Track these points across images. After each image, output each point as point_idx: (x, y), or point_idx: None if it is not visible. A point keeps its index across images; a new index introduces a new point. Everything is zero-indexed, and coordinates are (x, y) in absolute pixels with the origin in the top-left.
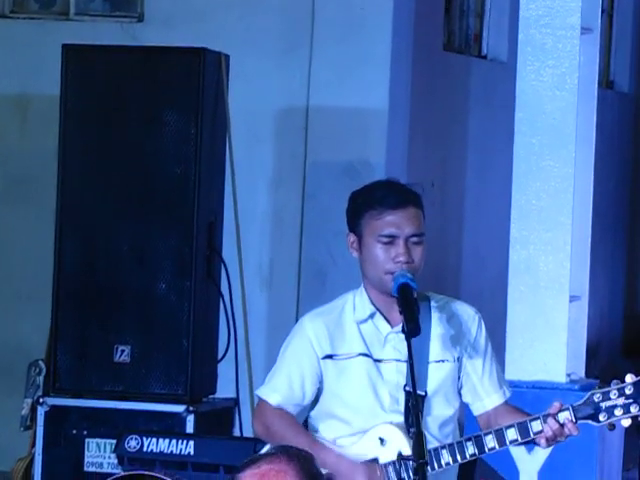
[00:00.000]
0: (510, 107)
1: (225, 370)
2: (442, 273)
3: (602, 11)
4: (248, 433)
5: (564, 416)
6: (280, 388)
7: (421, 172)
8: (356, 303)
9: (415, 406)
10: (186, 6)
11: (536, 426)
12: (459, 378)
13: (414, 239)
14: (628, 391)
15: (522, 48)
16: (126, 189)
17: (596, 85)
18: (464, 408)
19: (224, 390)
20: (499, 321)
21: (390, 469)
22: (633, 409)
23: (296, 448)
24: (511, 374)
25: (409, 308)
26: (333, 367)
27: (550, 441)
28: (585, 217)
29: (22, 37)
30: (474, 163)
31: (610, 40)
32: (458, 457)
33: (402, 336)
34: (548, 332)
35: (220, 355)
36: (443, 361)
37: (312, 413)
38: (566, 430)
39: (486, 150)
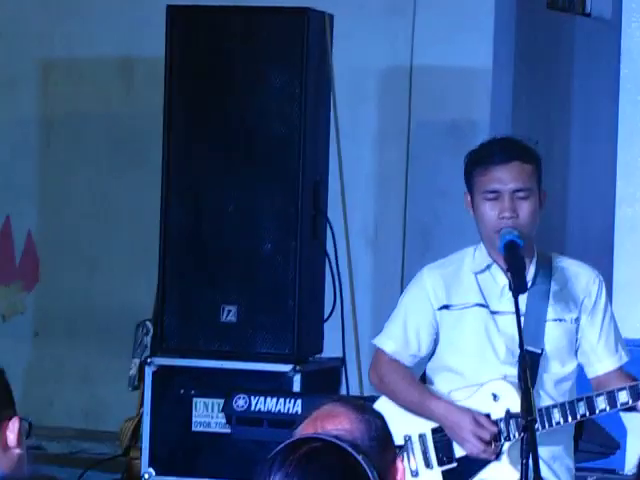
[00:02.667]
0: (615, 65)
1: (331, 330)
2: (547, 232)
3: None
4: (355, 392)
5: None
6: (396, 336)
7: (525, 130)
8: (476, 256)
9: (524, 363)
10: None
11: None
12: (576, 339)
13: (520, 194)
14: None
15: (627, 5)
16: (231, 150)
17: None
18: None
19: (330, 350)
20: (605, 280)
21: (501, 425)
22: None
23: (354, 397)
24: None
25: (515, 265)
26: (449, 317)
27: None
28: None
29: (125, 0)
30: (578, 121)
31: None
32: (569, 417)
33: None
34: None
35: (326, 315)
36: (561, 320)
37: (429, 365)
38: None
39: (590, 108)
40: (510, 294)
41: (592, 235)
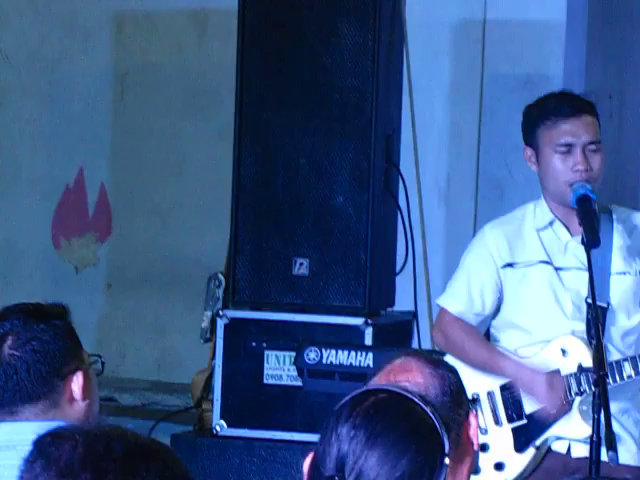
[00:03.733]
0: None
1: (403, 284)
2: (619, 187)
3: None
4: (426, 346)
5: None
6: (460, 296)
7: (599, 84)
8: (536, 212)
9: (596, 318)
10: None
11: None
12: None
13: (592, 147)
14: None
15: None
16: (303, 103)
17: None
18: None
19: (402, 303)
20: None
21: (571, 380)
22: None
23: (427, 351)
24: None
25: (589, 220)
26: (513, 275)
27: None
28: None
29: None
30: None
31: None
32: None
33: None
34: None
35: (398, 268)
36: (625, 273)
37: (494, 323)
38: None
39: None
40: (574, 249)
41: None
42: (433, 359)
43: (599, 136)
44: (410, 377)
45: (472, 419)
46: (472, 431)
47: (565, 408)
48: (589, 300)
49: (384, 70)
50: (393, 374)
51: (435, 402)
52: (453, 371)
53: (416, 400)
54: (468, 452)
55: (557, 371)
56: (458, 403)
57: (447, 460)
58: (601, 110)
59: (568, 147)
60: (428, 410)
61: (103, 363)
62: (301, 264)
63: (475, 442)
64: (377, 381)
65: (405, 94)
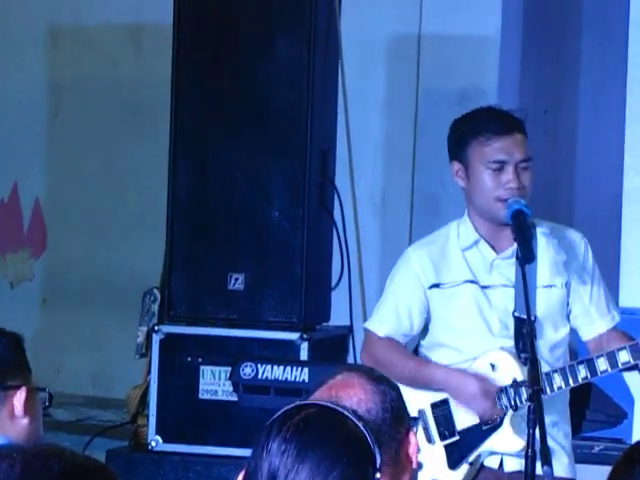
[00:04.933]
0: (624, 31)
1: (338, 298)
2: (555, 201)
3: None
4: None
5: None
6: (388, 320)
7: (533, 99)
8: (460, 231)
9: (530, 332)
10: None
11: None
12: (568, 303)
13: (523, 164)
14: None
15: None
16: (239, 117)
17: None
18: (574, 335)
19: (338, 318)
20: (613, 249)
21: (502, 395)
22: None
23: (369, 367)
24: (625, 301)
25: (524, 235)
26: (440, 296)
27: None
28: None
29: None
30: (587, 89)
31: None
32: (570, 381)
33: (508, 262)
34: None
35: (333, 283)
36: (551, 286)
37: (423, 342)
38: None
39: (600, 76)
40: (499, 267)
41: (600, 204)
42: (375, 376)
43: (529, 153)
44: (352, 393)
45: (412, 437)
46: (411, 449)
47: (500, 413)
48: (516, 314)
49: (319, 85)
50: (335, 389)
51: (375, 418)
52: (395, 388)
53: (347, 414)
54: (407, 469)
55: (485, 378)
56: (398, 420)
57: (378, 475)
58: (535, 125)
59: (500, 164)
60: (360, 424)
61: (51, 397)
62: (236, 279)
63: (414, 460)
64: (318, 396)
65: (340, 109)
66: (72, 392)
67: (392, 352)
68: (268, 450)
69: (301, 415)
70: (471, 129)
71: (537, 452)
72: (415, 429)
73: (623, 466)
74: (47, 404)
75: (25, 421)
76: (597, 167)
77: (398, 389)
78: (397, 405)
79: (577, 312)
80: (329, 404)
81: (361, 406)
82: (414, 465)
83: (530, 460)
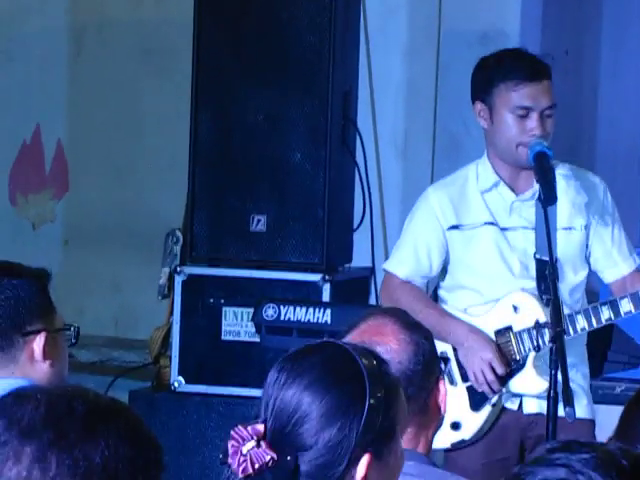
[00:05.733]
0: None
1: (360, 240)
2: (577, 142)
3: None
4: None
5: None
6: (407, 260)
7: (555, 40)
8: (479, 173)
9: (552, 273)
10: None
11: None
12: (587, 246)
13: (548, 111)
14: None
15: None
16: (261, 58)
17: None
18: (595, 276)
19: (360, 260)
20: (635, 191)
21: (525, 336)
22: None
23: (392, 307)
24: None
25: (546, 176)
26: (460, 237)
27: None
28: None
29: None
30: (609, 30)
31: None
32: (594, 322)
33: (528, 204)
34: None
35: (355, 225)
36: (571, 228)
37: (442, 284)
38: None
39: (622, 16)
40: (519, 208)
41: (622, 145)
42: (409, 323)
43: (554, 100)
44: (385, 341)
45: (441, 386)
46: (440, 397)
47: (497, 392)
48: (538, 256)
49: (341, 27)
50: (367, 334)
51: (406, 369)
52: (428, 338)
53: (351, 351)
54: (435, 418)
55: (509, 327)
56: (429, 371)
57: (365, 413)
58: (557, 66)
59: (526, 111)
60: (361, 363)
61: (78, 333)
62: (258, 221)
63: (443, 407)
64: (350, 339)
65: (362, 50)
66: (94, 333)
67: (414, 300)
68: (266, 383)
69: (302, 348)
70: (499, 72)
71: (559, 393)
72: (443, 379)
73: (635, 405)
74: (73, 341)
75: (45, 365)
76: (619, 108)
77: (431, 338)
78: (429, 356)
79: (598, 254)
80: (337, 341)
81: (393, 356)
82: (443, 412)
83: (552, 401)
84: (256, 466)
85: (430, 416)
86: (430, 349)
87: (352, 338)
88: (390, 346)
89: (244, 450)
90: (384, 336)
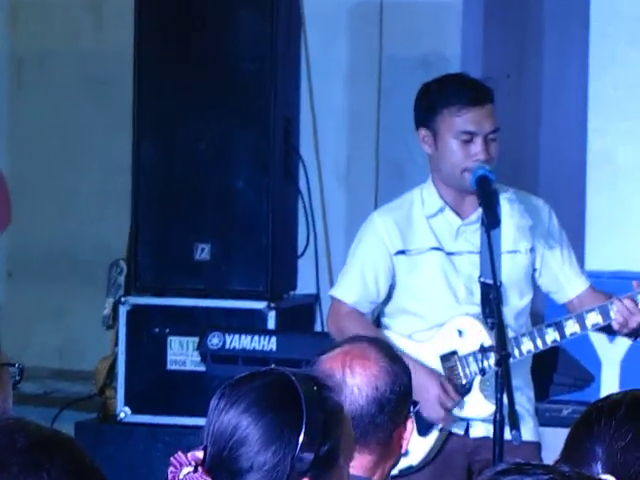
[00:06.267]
0: None
1: (305, 267)
2: (519, 165)
3: None
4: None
5: None
6: (354, 286)
7: (497, 63)
8: (424, 198)
9: (496, 297)
10: None
11: (615, 307)
12: (535, 269)
13: (492, 136)
14: None
15: None
16: (203, 88)
17: None
18: (545, 299)
19: (304, 287)
20: (578, 213)
21: (470, 360)
22: None
23: (379, 339)
24: (591, 264)
25: (488, 200)
26: (406, 262)
27: (626, 325)
28: None
29: None
30: (551, 53)
31: None
32: (539, 343)
33: (473, 228)
34: (627, 222)
35: (300, 252)
36: (516, 252)
37: (385, 310)
38: (638, 316)
39: (563, 39)
40: (465, 233)
41: (565, 167)
42: (392, 355)
43: (498, 123)
44: (367, 365)
45: (409, 424)
46: (406, 435)
47: (450, 421)
48: (482, 280)
49: (282, 54)
50: (350, 356)
51: (381, 397)
52: (407, 373)
53: (294, 380)
54: (396, 452)
55: (454, 352)
56: (402, 405)
57: (302, 437)
58: (500, 90)
59: (470, 135)
60: (302, 394)
61: (22, 371)
62: (202, 249)
63: (404, 445)
64: (333, 357)
65: (304, 78)
66: (39, 365)
67: (361, 328)
68: (209, 409)
69: (245, 377)
70: (442, 97)
71: (505, 417)
72: (412, 417)
73: (582, 427)
74: (18, 379)
75: None
76: (562, 130)
77: (409, 373)
78: (405, 390)
79: (549, 276)
80: (279, 368)
81: (372, 380)
82: (403, 450)
83: (499, 425)
84: None
85: (392, 449)
86: (407, 384)
87: (334, 356)
88: (371, 371)
89: (181, 476)
90: (367, 360)
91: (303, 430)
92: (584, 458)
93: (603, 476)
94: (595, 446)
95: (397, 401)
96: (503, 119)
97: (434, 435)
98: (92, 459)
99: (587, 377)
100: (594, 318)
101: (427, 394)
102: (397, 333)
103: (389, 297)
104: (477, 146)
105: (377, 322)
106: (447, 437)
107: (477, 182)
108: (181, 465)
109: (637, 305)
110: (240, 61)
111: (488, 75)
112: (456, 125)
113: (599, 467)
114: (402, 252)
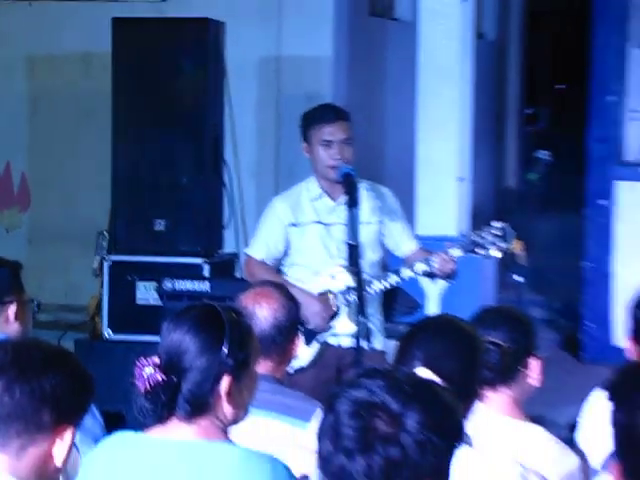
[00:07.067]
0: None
1: (228, 234)
2: (371, 164)
3: None
4: (243, 275)
5: (455, 253)
6: (262, 247)
7: (357, 102)
8: (309, 187)
9: (356, 254)
10: None
11: (435, 259)
12: (384, 235)
13: (344, 143)
14: (496, 232)
15: (423, 10)
16: (159, 114)
17: (473, 37)
18: (389, 255)
19: (228, 247)
20: (411, 196)
21: (339, 295)
22: (500, 244)
23: (279, 285)
24: (419, 231)
25: (350, 189)
26: (296, 231)
27: (442, 271)
28: (466, 125)
29: (87, 14)
30: (392, 96)
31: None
32: (385, 284)
33: (341, 207)
34: (438, 200)
35: (225, 225)
36: (369, 223)
37: (284, 262)
38: (448, 264)
39: (401, 85)
40: (336, 211)
41: (402, 167)
42: (288, 295)
43: (351, 134)
44: (271, 302)
45: (297, 340)
46: (296, 347)
47: (330, 326)
48: (347, 242)
49: (212, 91)
50: (260, 295)
51: (280, 323)
52: (298, 307)
53: (217, 306)
54: (289, 358)
55: (329, 290)
56: (294, 328)
57: (225, 349)
58: (360, 115)
59: (328, 142)
60: (223, 315)
61: (39, 305)
62: (160, 223)
63: (294, 354)
64: (246, 297)
65: (227, 107)
66: (50, 301)
67: (266, 273)
68: (162, 330)
69: (187, 308)
70: (312, 119)
71: (361, 332)
72: (300, 336)
73: (407, 338)
74: (36, 310)
75: (16, 325)
76: (399, 142)
77: (299, 306)
78: (295, 318)
79: (391, 240)
80: (209, 302)
81: (272, 313)
82: (294, 356)
83: (357, 338)
84: (152, 384)
85: (287, 356)
86: (297, 314)
87: (247, 295)
88: (272, 306)
89: (144, 374)
90: (270, 298)
91: (226, 344)
92: (408, 359)
93: (420, 369)
94: (416, 351)
95: (290, 326)
96: (362, 136)
97: (315, 345)
98: (84, 366)
99: (416, 305)
100: (421, 267)
101: (312, 311)
102: (292, 278)
103: (286, 254)
104: (333, 150)
105: (278, 271)
106: (325, 347)
107: (343, 176)
108: (144, 366)
109: (449, 257)
110: (184, 96)
111: (351, 104)
112: (319, 136)
113: (419, 365)
114: (294, 224)
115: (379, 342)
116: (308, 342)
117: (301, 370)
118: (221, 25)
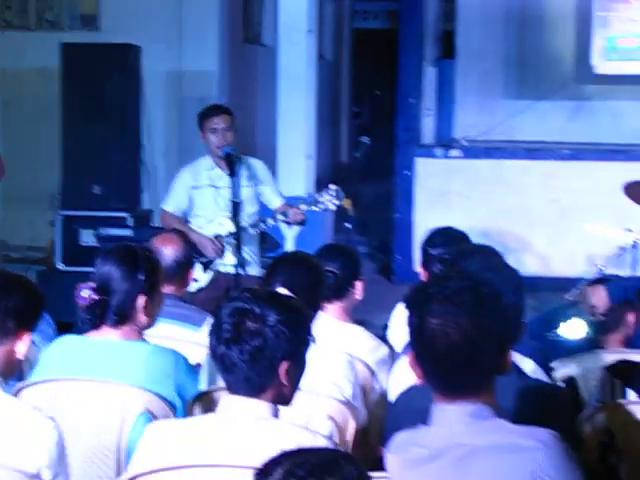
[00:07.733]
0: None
1: (145, 196)
2: (249, 144)
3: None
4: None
5: (304, 207)
6: (172, 203)
7: (236, 96)
8: (205, 162)
9: (238, 208)
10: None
11: (290, 212)
12: (260, 194)
13: (226, 130)
14: (332, 193)
15: (281, 36)
16: (96, 113)
17: (316, 58)
18: (265, 210)
19: (145, 205)
20: (275, 170)
21: (224, 238)
22: (335, 201)
23: (179, 231)
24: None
25: (231, 163)
26: (197, 192)
27: (295, 220)
28: (312, 119)
29: (44, 40)
30: (262, 103)
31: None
32: (257, 228)
33: (226, 176)
34: (296, 174)
35: (143, 191)
36: (248, 186)
37: (189, 215)
38: (299, 215)
39: (267, 94)
40: (224, 178)
41: (269, 152)
42: (186, 239)
43: (231, 124)
44: (173, 243)
45: (191, 270)
46: (192, 273)
47: (221, 253)
48: (233, 199)
49: (133, 97)
50: (163, 239)
51: (179, 258)
52: (193, 248)
53: (135, 246)
54: (188, 282)
55: (219, 235)
56: (189, 262)
57: (142, 277)
58: (241, 110)
59: (215, 130)
60: (139, 252)
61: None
62: (97, 188)
63: (191, 277)
64: (156, 238)
65: (143, 106)
66: (21, 244)
67: (176, 222)
68: (96, 263)
69: (114, 247)
70: (204, 114)
71: (239, 263)
72: (194, 268)
73: (272, 266)
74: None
75: None
76: (268, 128)
77: (195, 246)
78: (189, 254)
79: (265, 196)
80: (130, 244)
81: (174, 252)
82: (190, 281)
83: (237, 267)
84: (89, 302)
85: (186, 281)
86: (190, 252)
87: (157, 238)
88: (174, 247)
89: (84, 294)
90: (172, 242)
91: (141, 272)
92: (271, 282)
93: (280, 288)
94: (277, 276)
95: (185, 261)
96: (238, 126)
97: (210, 273)
98: (39, 287)
99: (277, 245)
100: (281, 216)
101: (206, 245)
102: (194, 225)
103: (190, 208)
104: (218, 135)
105: (185, 220)
106: (217, 273)
107: (225, 155)
108: (84, 289)
109: (300, 210)
110: (113, 99)
111: (232, 102)
112: (209, 125)
113: (279, 286)
114: (194, 187)
115: (255, 270)
116: (205, 270)
117: (200, 290)
118: (139, 48)
